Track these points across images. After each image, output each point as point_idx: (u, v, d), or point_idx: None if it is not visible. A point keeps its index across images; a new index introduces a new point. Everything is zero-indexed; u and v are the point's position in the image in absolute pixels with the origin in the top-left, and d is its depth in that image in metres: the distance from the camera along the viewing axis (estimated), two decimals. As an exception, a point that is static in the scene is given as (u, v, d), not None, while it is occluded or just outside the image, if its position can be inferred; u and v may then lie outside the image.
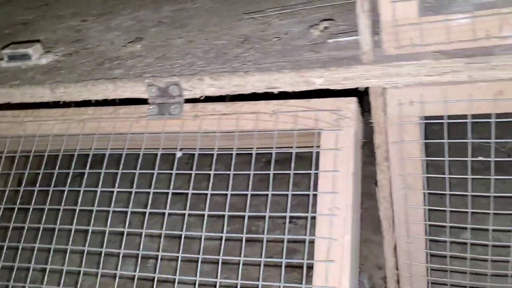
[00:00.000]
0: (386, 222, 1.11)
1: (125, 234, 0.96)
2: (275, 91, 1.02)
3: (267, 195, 0.93)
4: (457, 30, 0.85)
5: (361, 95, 1.03)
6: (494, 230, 1.02)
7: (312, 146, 0.94)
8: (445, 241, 1.05)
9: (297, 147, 0.98)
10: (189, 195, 0.97)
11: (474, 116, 0.91)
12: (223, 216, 0.92)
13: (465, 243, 1.02)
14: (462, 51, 0.87)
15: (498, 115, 0.90)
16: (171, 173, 1.00)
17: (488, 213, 0.98)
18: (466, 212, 0.98)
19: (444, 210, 1.00)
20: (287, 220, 0.88)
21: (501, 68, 0.86)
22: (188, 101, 1.08)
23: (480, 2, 0.85)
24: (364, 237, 1.70)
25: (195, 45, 1.24)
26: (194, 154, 1.02)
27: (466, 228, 1.01)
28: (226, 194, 0.94)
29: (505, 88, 0.89)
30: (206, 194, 0.96)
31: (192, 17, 1.50)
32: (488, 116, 0.90)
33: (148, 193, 0.99)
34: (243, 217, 0.91)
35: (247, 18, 1.37)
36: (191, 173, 0.99)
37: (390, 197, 1.08)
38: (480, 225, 1.01)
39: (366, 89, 0.98)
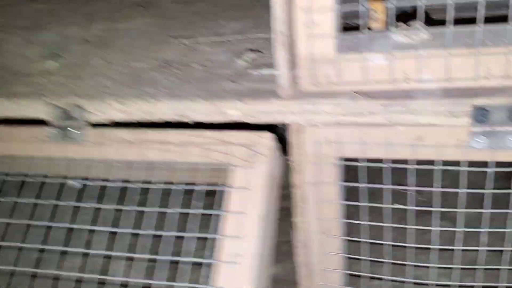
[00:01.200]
0: (305, 268, 1.04)
1: None
2: (188, 120, 0.94)
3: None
4: (375, 70, 0.80)
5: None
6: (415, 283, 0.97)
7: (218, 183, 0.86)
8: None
9: (207, 183, 0.90)
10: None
11: (395, 161, 0.86)
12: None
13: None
14: (380, 93, 0.83)
15: (418, 162, 0.86)
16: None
17: (404, 265, 0.92)
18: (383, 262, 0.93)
19: (362, 260, 0.94)
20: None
21: (420, 113, 0.82)
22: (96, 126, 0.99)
23: (399, 43, 0.81)
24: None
25: (113, 66, 1.15)
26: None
27: (381, 279, 0.95)
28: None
29: (425, 134, 0.84)
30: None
31: (121, 37, 1.41)
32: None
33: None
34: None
35: (177, 44, 1.31)
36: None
37: (309, 241, 1.01)
38: (401, 273, 0.96)
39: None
